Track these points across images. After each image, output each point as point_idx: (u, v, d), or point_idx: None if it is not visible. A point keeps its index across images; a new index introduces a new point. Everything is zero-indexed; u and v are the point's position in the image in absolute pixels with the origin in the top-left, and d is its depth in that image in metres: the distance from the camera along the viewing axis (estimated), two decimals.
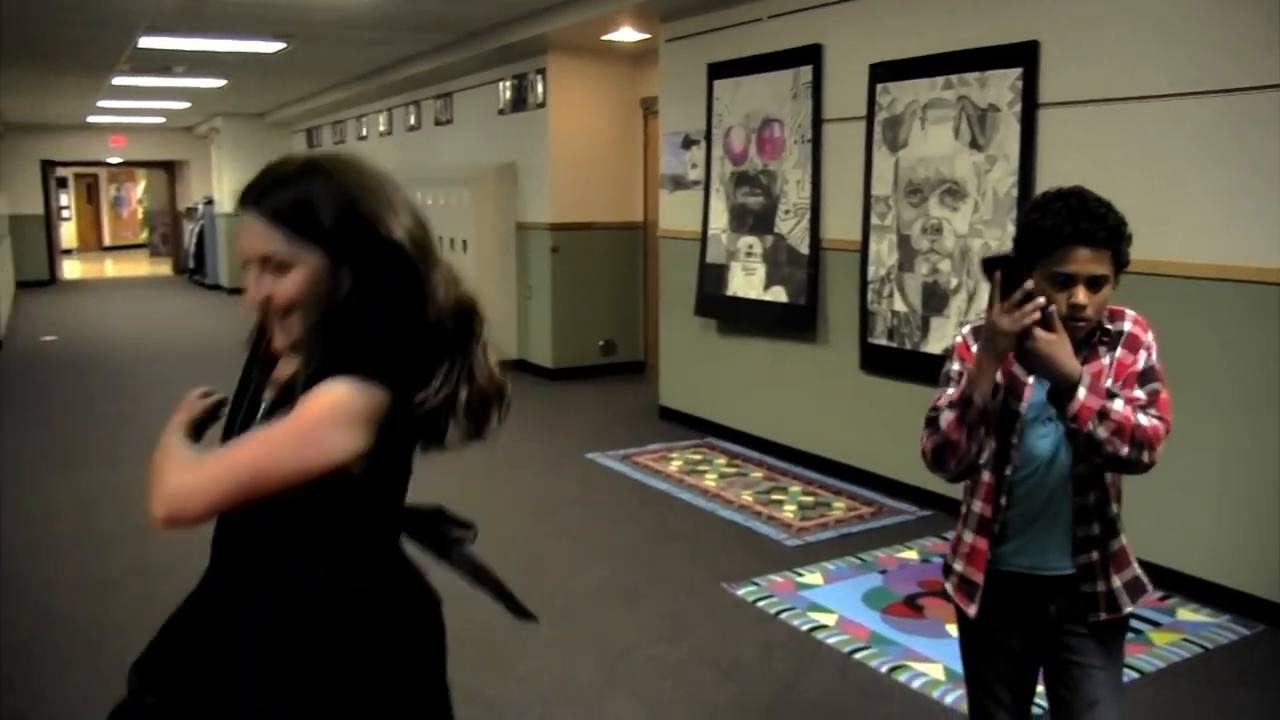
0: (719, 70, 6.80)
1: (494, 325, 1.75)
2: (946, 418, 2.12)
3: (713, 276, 6.90)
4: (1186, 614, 4.17)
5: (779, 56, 6.29)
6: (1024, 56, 4.79)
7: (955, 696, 3.48)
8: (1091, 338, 2.14)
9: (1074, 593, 2.20)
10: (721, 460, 6.56)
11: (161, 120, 17.75)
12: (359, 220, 1.57)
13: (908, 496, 5.58)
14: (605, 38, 8.19)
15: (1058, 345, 2.01)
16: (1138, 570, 2.25)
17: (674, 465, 6.45)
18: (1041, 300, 2.02)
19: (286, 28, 8.54)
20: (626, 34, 7.99)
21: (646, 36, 7.94)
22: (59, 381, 9.61)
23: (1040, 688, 2.33)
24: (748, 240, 6.60)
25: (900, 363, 5.56)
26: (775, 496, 5.79)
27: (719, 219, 6.84)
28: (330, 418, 1.49)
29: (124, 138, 19.20)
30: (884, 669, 3.74)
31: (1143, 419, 2.03)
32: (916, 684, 3.62)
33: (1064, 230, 2.05)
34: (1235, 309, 4.12)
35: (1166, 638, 3.96)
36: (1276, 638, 3.99)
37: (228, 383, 1.85)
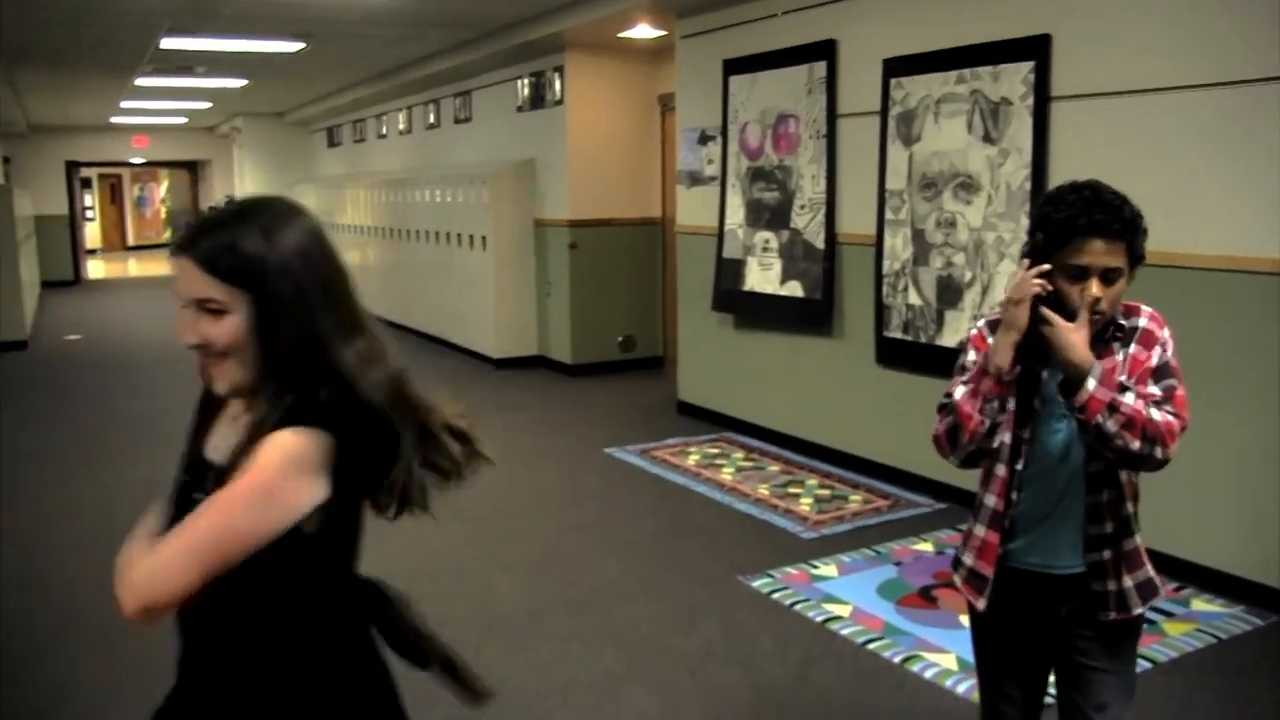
0: (734, 66, 6.83)
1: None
2: (961, 392, 2.14)
3: (729, 271, 6.94)
4: (1200, 604, 4.18)
5: (794, 52, 6.31)
6: (1036, 50, 4.80)
7: (967, 686, 3.51)
8: (1105, 333, 2.12)
9: (1085, 592, 2.18)
10: (739, 454, 6.60)
11: (183, 120, 17.91)
12: (283, 274, 1.55)
13: (924, 489, 5.61)
14: (622, 35, 8.24)
15: (1073, 334, 2.02)
16: (1151, 572, 2.23)
17: (692, 459, 6.50)
18: (1046, 267, 2.04)
19: (306, 27, 8.62)
20: (643, 31, 8.03)
21: (663, 33, 7.98)
22: (83, 381, 9.71)
23: (1052, 689, 2.33)
24: (764, 235, 6.63)
25: (915, 356, 5.58)
26: (792, 490, 5.82)
27: (735, 214, 6.88)
28: (283, 469, 1.48)
29: (147, 138, 19.37)
30: (897, 659, 3.78)
31: (1155, 414, 2.02)
32: (929, 674, 3.66)
33: (1078, 222, 2.04)
34: (1247, 300, 4.13)
35: (1180, 628, 3.98)
36: None
37: None
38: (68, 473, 6.51)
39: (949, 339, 5.31)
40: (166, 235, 28.52)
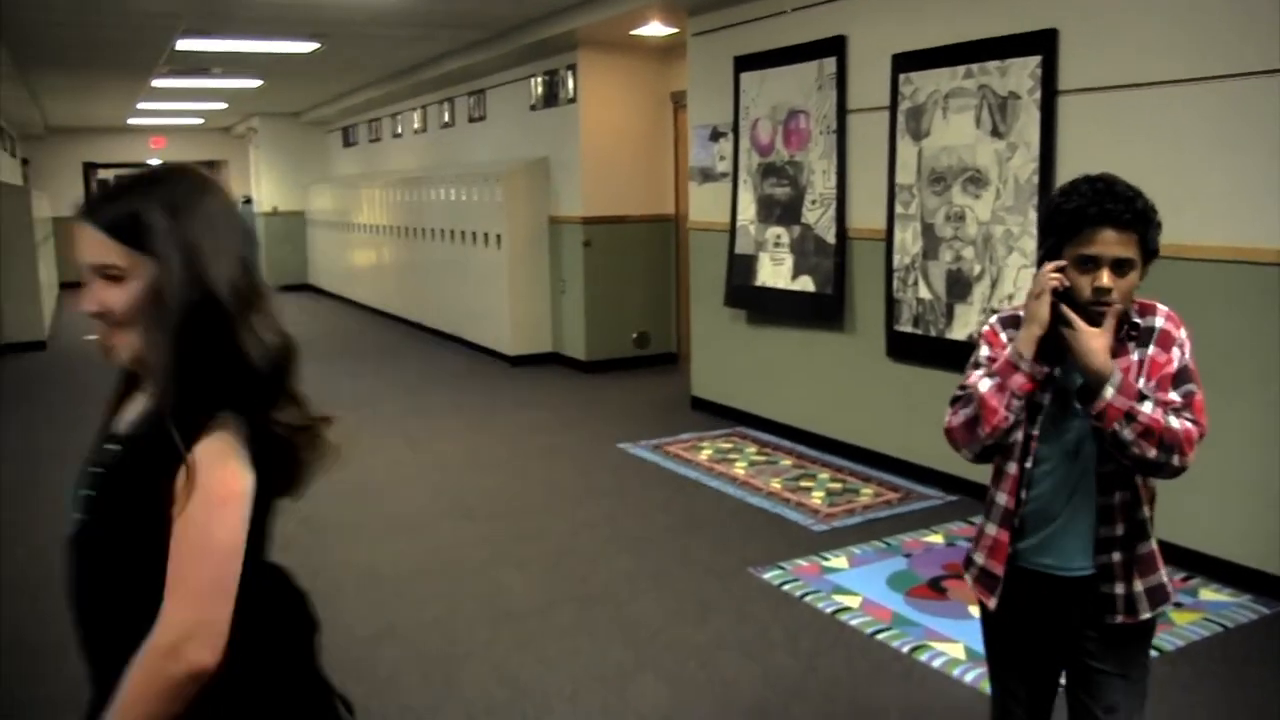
0: (745, 63, 6.87)
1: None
2: (988, 385, 2.11)
3: (741, 267, 6.97)
4: (1208, 594, 4.21)
5: (804, 48, 6.35)
6: (1043, 44, 4.83)
7: (975, 675, 3.55)
8: (1119, 331, 2.08)
9: (1093, 594, 2.16)
10: (752, 449, 6.64)
11: (200, 121, 18.03)
12: (186, 243, 1.54)
13: (934, 482, 5.64)
14: (634, 33, 8.27)
15: (1095, 340, 2.00)
16: (1164, 578, 2.20)
17: (705, 454, 6.54)
18: (1062, 262, 2.05)
19: (320, 28, 8.69)
20: (655, 29, 8.07)
21: (674, 31, 8.02)
22: (101, 381, 9.64)
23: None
24: (775, 231, 6.66)
25: (926, 349, 5.61)
26: (804, 483, 5.86)
27: (747, 210, 6.91)
28: (216, 470, 1.48)
29: (163, 139, 19.49)
30: (905, 649, 3.81)
31: (1174, 422, 1.99)
32: (937, 663, 3.69)
33: (1089, 211, 2.02)
34: (1252, 290, 4.14)
35: (1187, 617, 4.00)
36: None
37: None
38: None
39: (959, 332, 5.34)
40: None
